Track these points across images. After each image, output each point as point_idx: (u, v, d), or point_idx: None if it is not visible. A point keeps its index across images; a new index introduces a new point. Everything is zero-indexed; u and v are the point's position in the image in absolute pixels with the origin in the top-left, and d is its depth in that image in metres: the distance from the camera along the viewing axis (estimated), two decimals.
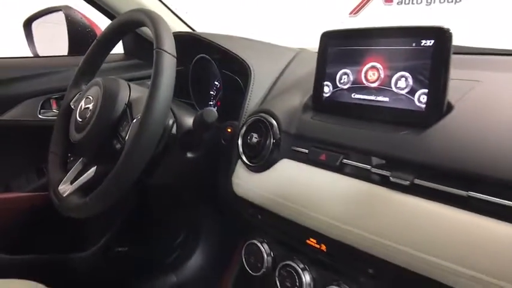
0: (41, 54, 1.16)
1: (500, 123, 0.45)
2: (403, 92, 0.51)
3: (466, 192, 0.41)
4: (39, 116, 0.98)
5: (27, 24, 1.17)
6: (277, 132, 0.60)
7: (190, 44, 0.85)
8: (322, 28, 0.61)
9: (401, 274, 0.46)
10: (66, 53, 1.12)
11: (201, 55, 0.84)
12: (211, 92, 0.89)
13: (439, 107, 0.48)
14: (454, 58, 0.48)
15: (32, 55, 1.16)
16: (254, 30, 1.53)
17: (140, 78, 1.07)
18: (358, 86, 0.56)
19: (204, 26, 1.11)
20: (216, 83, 0.86)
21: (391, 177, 0.46)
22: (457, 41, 0.50)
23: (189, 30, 1.08)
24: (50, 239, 1.01)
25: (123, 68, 1.09)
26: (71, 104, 0.78)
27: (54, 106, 1.01)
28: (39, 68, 1.03)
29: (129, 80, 0.89)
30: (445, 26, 0.49)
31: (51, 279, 0.78)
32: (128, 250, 1.12)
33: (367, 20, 3.94)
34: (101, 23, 1.09)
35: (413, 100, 0.50)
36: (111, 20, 0.89)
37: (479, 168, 0.41)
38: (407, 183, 0.45)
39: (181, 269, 1.26)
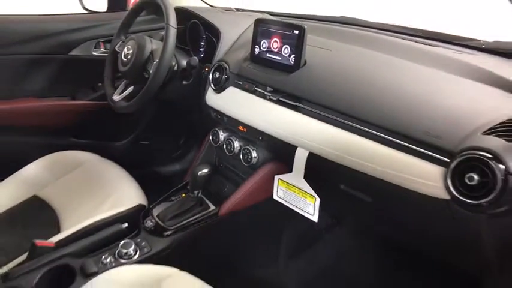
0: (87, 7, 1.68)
1: (333, 74, 0.97)
2: (286, 55, 1.04)
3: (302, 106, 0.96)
4: (93, 53, 1.53)
5: None
6: (228, 72, 1.15)
7: (189, 14, 1.37)
8: None
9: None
10: (105, 9, 1.65)
11: (193, 20, 1.36)
12: (201, 43, 1.41)
13: (298, 63, 1.01)
14: (322, 26, 0.99)
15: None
16: None
17: (156, 29, 1.58)
18: (269, 50, 1.09)
19: None
20: (203, 39, 1.39)
21: (271, 96, 1.02)
22: None
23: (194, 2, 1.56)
24: (101, 131, 1.61)
25: (147, 21, 1.60)
26: (116, 48, 1.32)
27: (101, 47, 1.55)
28: (90, 21, 1.56)
29: (150, 30, 1.44)
30: (304, 26, 1.00)
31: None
32: (148, 144, 1.72)
33: None
34: None
35: (289, 59, 1.03)
36: None
37: (314, 96, 0.94)
38: (276, 98, 1.00)
39: (182, 161, 1.86)
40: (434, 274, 1.05)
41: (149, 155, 1.74)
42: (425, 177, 0.71)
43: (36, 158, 1.34)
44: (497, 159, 0.61)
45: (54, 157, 1.36)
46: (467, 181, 0.64)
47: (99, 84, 1.53)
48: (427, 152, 0.72)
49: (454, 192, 0.65)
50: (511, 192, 0.60)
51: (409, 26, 1.22)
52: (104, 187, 1.24)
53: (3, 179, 1.29)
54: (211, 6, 1.63)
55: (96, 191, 1.23)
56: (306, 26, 0.99)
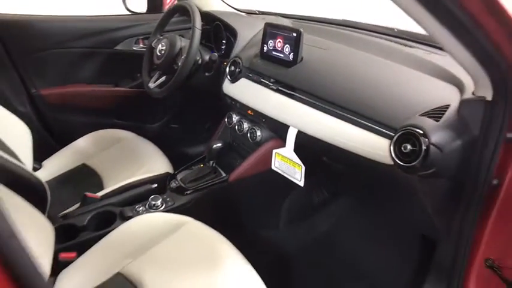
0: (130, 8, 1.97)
1: (322, 69, 1.20)
2: (287, 53, 1.28)
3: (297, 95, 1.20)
4: (133, 48, 1.83)
5: None
6: (241, 66, 1.39)
7: (213, 17, 1.62)
8: None
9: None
10: (145, 11, 1.94)
11: (216, 22, 1.62)
12: (223, 41, 1.67)
13: (296, 59, 1.24)
14: (323, 28, 1.23)
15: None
16: None
17: (186, 28, 1.84)
18: (274, 48, 1.33)
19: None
20: (224, 38, 1.64)
21: (272, 86, 1.26)
22: None
23: (223, 8, 1.81)
24: (138, 114, 1.91)
25: (179, 22, 1.87)
26: (152, 44, 1.60)
27: (141, 43, 1.84)
28: (132, 21, 1.85)
29: (181, 29, 1.71)
30: (301, 30, 1.23)
31: None
32: (178, 127, 2.00)
33: None
34: None
35: (289, 56, 1.27)
36: None
37: (306, 86, 1.18)
38: (276, 88, 1.24)
39: (206, 143, 2.13)
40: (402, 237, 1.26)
41: (178, 136, 2.02)
42: (379, 147, 0.93)
43: (85, 134, 1.64)
44: (425, 133, 0.83)
45: (100, 133, 1.66)
46: (402, 149, 0.86)
47: (138, 74, 1.82)
48: (381, 129, 0.94)
49: (395, 158, 0.87)
50: (433, 157, 0.82)
51: (394, 28, 1.41)
52: (139, 158, 1.52)
53: (59, 150, 1.61)
54: (235, 9, 1.88)
55: (132, 161, 1.52)
56: (302, 30, 1.22)
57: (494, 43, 0.69)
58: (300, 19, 1.74)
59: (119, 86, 1.86)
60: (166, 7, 1.96)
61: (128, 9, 1.96)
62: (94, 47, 1.78)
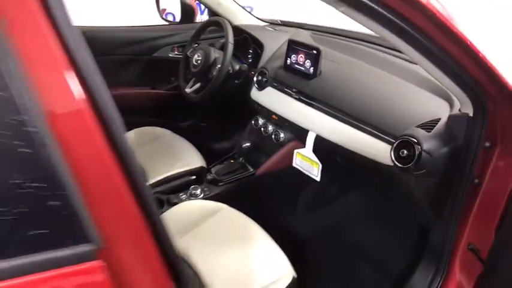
0: (165, 18, 2.20)
1: (338, 82, 1.42)
2: (308, 67, 1.49)
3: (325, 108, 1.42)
4: (169, 55, 2.06)
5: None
6: (267, 76, 1.62)
7: (241, 30, 1.85)
8: None
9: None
10: (178, 20, 2.17)
11: (244, 35, 1.84)
12: (250, 51, 1.89)
13: (315, 73, 1.46)
14: (337, 41, 1.46)
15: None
16: None
17: (217, 37, 2.06)
18: (296, 62, 1.54)
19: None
20: (251, 49, 1.87)
21: (295, 95, 1.48)
22: None
23: (249, 19, 2.03)
24: (173, 114, 2.14)
25: (210, 31, 2.09)
26: (188, 53, 1.83)
27: (176, 50, 2.07)
28: (167, 30, 2.08)
29: (212, 38, 1.93)
30: (320, 48, 1.44)
31: None
32: (205, 125, 2.24)
33: None
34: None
35: (310, 70, 1.48)
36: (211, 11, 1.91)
37: (323, 97, 1.40)
38: (298, 97, 1.46)
39: (230, 140, 2.35)
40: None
41: (206, 134, 2.26)
42: (382, 151, 1.16)
43: (127, 132, 1.88)
44: (418, 142, 1.05)
45: (139, 131, 1.91)
46: (400, 154, 1.08)
47: (173, 78, 2.06)
48: (384, 136, 1.16)
49: (394, 161, 1.10)
50: (424, 160, 1.04)
51: None
52: (176, 153, 1.76)
53: None
54: (261, 19, 2.09)
55: (170, 155, 1.76)
56: (321, 48, 1.43)
57: (473, 77, 0.90)
58: (318, 31, 1.95)
59: (155, 89, 2.10)
60: (196, 17, 2.19)
61: (163, 19, 2.19)
62: (134, 54, 2.03)
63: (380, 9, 0.73)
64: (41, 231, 0.50)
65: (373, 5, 0.72)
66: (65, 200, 0.50)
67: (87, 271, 0.53)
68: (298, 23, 2.02)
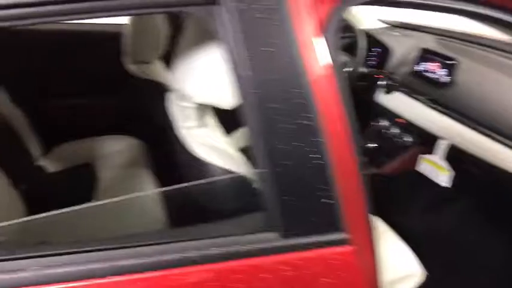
0: None
1: (471, 94, 1.46)
2: (440, 74, 1.54)
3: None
4: None
5: None
6: (395, 81, 1.68)
7: (368, 35, 1.92)
8: None
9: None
10: None
11: (369, 38, 1.91)
12: (375, 54, 1.95)
13: (451, 83, 1.50)
14: (464, 48, 1.49)
15: None
16: None
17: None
18: (426, 69, 1.59)
19: None
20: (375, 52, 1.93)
21: (429, 102, 1.54)
22: None
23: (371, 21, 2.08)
24: None
25: None
26: None
27: None
28: None
29: None
30: (457, 62, 1.47)
31: None
32: None
33: None
34: None
35: (443, 78, 1.52)
36: None
37: (459, 107, 1.44)
38: (431, 105, 1.52)
39: None
40: None
41: None
42: None
43: None
44: None
45: None
46: None
47: None
48: None
49: None
50: None
51: None
52: None
53: None
54: (386, 23, 2.12)
55: None
56: (457, 62, 1.46)
57: None
58: (443, 35, 1.94)
59: None
60: None
61: None
62: None
63: None
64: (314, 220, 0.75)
65: None
66: (335, 200, 0.74)
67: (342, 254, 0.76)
68: (419, 26, 2.02)
